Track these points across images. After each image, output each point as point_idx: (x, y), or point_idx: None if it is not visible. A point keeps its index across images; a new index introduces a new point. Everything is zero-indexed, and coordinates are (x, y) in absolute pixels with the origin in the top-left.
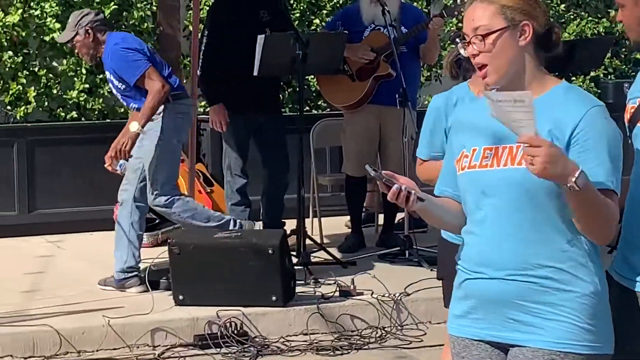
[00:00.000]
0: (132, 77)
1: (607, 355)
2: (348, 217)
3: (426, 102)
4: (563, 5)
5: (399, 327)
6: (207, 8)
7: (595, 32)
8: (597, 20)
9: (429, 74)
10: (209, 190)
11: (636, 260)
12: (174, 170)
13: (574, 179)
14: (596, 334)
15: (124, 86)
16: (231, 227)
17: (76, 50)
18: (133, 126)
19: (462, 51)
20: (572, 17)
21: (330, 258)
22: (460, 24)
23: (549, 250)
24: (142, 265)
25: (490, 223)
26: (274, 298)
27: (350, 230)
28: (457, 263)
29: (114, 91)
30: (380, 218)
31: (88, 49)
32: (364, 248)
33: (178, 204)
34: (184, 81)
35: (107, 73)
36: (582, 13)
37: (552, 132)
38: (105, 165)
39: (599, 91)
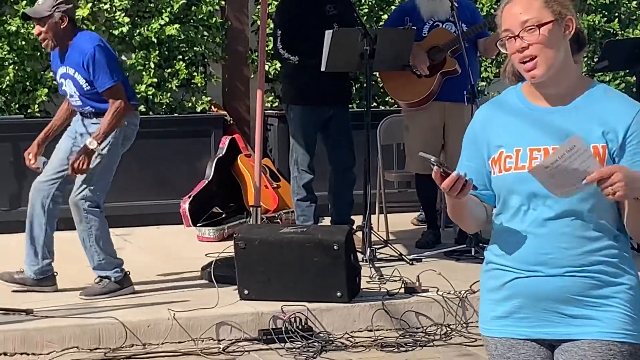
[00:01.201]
0: (105, 83)
1: None
2: (414, 214)
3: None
4: (635, 3)
5: (464, 325)
6: (276, 2)
7: None
8: None
9: (497, 70)
10: (275, 186)
11: None
12: (110, 180)
13: None
14: None
15: (89, 87)
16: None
17: (36, 31)
18: (92, 144)
19: (501, 49)
20: None
21: (396, 255)
22: None
23: (602, 246)
24: (208, 260)
25: (546, 222)
26: (338, 294)
27: (417, 226)
28: (497, 263)
29: (70, 89)
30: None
31: (54, 35)
32: (440, 244)
33: (99, 217)
34: (252, 76)
35: (64, 68)
36: None
37: (606, 133)
38: (29, 164)
39: None
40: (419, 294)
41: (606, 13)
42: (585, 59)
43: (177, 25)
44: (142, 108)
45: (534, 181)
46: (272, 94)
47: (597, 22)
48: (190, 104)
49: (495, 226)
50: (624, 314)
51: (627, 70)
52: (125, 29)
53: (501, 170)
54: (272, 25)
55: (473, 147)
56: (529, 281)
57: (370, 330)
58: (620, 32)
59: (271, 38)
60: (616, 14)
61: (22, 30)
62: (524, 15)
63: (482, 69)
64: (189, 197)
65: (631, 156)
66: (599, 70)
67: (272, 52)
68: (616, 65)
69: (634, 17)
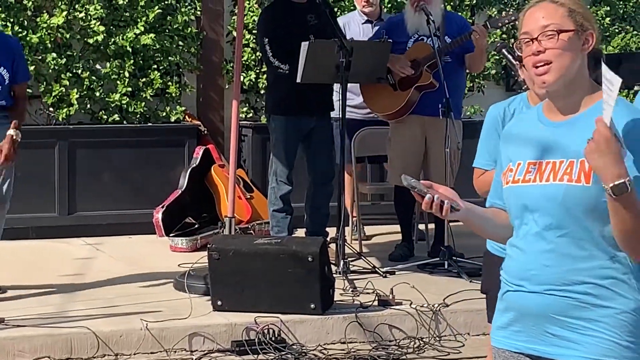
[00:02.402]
0: (25, 77)
1: None
2: (388, 227)
3: (468, 113)
4: (608, 19)
5: (437, 338)
6: (251, 14)
7: None
8: None
9: (471, 84)
10: (248, 197)
11: None
12: None
13: (610, 185)
14: (636, 351)
15: (7, 82)
16: None
17: None
18: (16, 134)
19: (517, 51)
20: (616, 30)
21: (369, 267)
22: (504, 35)
23: (590, 266)
24: (181, 270)
25: (532, 237)
26: (312, 306)
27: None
28: (501, 275)
29: None
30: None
31: None
32: (414, 257)
33: None
34: (226, 86)
35: None
36: (627, 27)
37: None
38: None
39: None
40: (392, 307)
41: None
42: None
43: (152, 35)
44: (116, 117)
45: (524, 195)
46: (247, 104)
47: None
48: (164, 114)
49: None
50: (608, 340)
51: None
52: (100, 38)
53: (505, 183)
54: (247, 36)
55: (498, 163)
56: (516, 295)
57: (344, 343)
58: None
59: (246, 49)
60: None
61: None
62: (545, 20)
63: None
64: (162, 207)
65: (625, 161)
66: None
67: (247, 62)
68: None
69: (607, 33)
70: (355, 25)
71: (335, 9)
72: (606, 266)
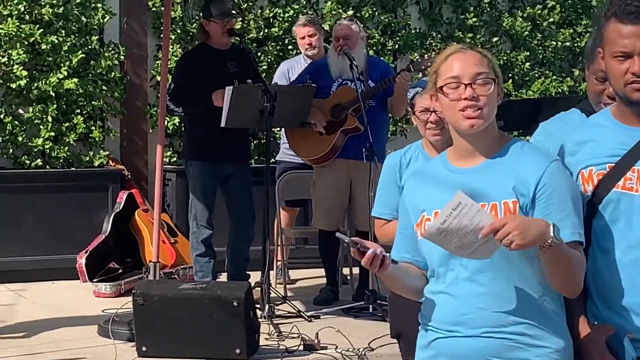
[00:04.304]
0: None
1: None
2: (312, 270)
3: None
4: (528, 64)
5: None
6: (175, 58)
7: (560, 90)
8: (561, 79)
9: (394, 128)
10: (172, 241)
11: None
12: None
13: (552, 234)
14: None
15: None
16: None
17: None
18: None
19: (449, 94)
20: (536, 75)
21: (294, 311)
22: (425, 78)
23: (523, 306)
24: (105, 316)
25: (463, 282)
26: (237, 351)
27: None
28: (423, 322)
29: None
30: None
31: None
32: (338, 301)
33: None
34: (150, 130)
35: None
36: (547, 72)
37: (517, 188)
38: None
39: None
40: (317, 351)
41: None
42: None
43: (75, 80)
44: (38, 162)
45: None
46: (171, 148)
47: None
48: (87, 158)
49: (425, 288)
50: None
51: (521, 130)
52: (23, 82)
53: (422, 233)
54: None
55: (405, 216)
56: (449, 341)
57: None
58: (514, 93)
59: None
60: (509, 75)
61: None
62: (478, 67)
63: None
64: (86, 252)
65: (542, 209)
66: None
67: None
68: (511, 126)
69: (527, 78)
70: (299, 69)
71: (280, 53)
72: (538, 305)
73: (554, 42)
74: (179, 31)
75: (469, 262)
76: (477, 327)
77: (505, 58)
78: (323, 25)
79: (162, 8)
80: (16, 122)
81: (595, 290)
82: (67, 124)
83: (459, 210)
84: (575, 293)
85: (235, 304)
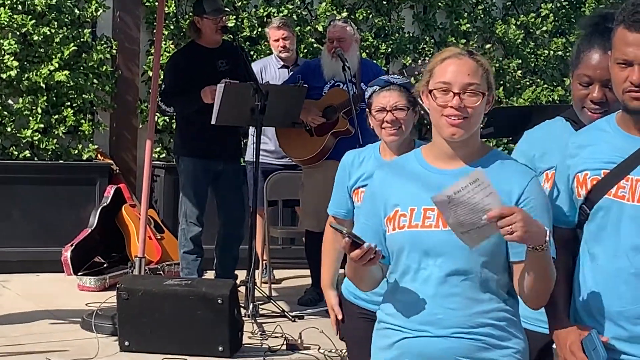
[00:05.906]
0: None
1: None
2: (298, 271)
3: None
4: (519, 72)
5: None
6: (167, 54)
7: (550, 99)
8: (552, 88)
9: None
10: (159, 237)
11: None
12: None
13: (547, 238)
14: None
15: None
16: None
17: None
18: None
19: (423, 97)
20: (527, 83)
21: (278, 311)
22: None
23: (490, 308)
24: (89, 309)
25: (435, 282)
26: (220, 348)
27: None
28: (385, 322)
29: None
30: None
31: None
32: (323, 302)
33: None
34: (140, 126)
35: None
36: (538, 80)
37: None
38: None
39: None
40: (300, 352)
41: None
42: None
43: (66, 72)
44: (27, 153)
45: (425, 240)
46: (160, 144)
47: None
48: (76, 152)
49: (388, 285)
50: None
51: (510, 138)
52: (13, 73)
53: (395, 228)
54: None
55: (371, 205)
56: (417, 341)
57: None
58: (505, 100)
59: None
60: (501, 82)
61: None
62: (472, 78)
63: None
64: (71, 245)
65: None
66: (484, 137)
67: None
68: (501, 132)
69: (519, 85)
70: (271, 70)
71: (252, 53)
72: (501, 308)
73: (546, 51)
74: (172, 27)
75: (444, 262)
76: (447, 327)
77: (497, 65)
78: (317, 26)
79: (156, 3)
80: (5, 113)
81: (578, 293)
82: (56, 116)
83: (475, 185)
84: (541, 305)
85: (219, 301)
